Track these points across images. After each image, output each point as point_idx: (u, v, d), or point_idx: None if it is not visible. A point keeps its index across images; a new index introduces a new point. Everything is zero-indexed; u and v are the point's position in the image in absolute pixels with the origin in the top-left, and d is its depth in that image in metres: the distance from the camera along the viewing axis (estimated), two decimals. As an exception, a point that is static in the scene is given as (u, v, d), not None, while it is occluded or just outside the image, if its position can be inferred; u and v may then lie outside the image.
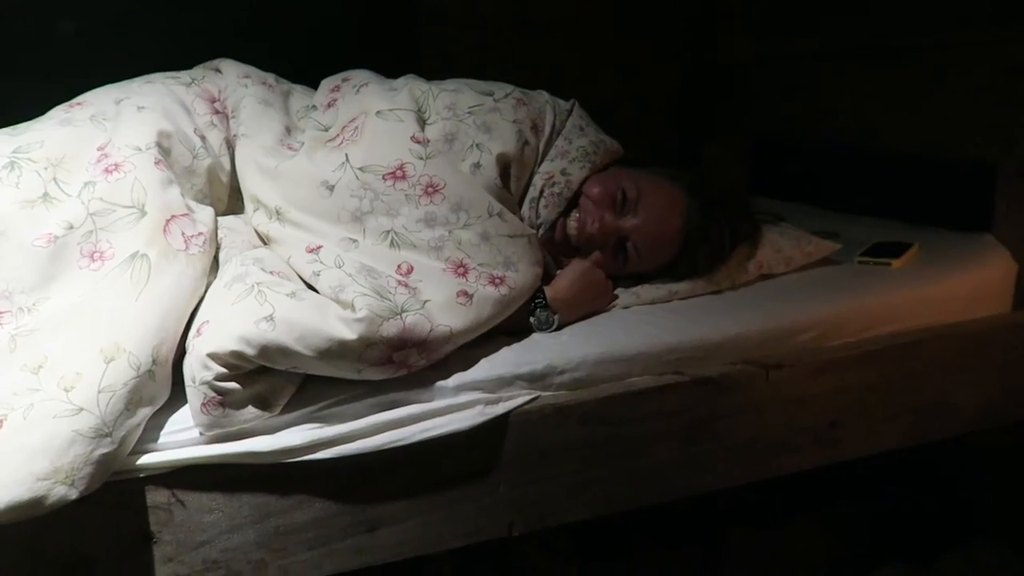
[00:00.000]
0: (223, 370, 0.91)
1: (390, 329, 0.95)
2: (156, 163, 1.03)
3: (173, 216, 1.00)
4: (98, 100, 1.13)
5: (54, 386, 0.86)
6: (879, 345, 1.21)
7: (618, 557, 1.47)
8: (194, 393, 0.91)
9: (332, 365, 0.95)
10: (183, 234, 1.00)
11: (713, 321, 1.17)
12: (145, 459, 0.92)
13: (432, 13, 1.89)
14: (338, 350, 0.93)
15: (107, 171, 1.00)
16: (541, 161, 1.23)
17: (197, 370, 0.91)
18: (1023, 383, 1.31)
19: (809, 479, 1.25)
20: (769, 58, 1.93)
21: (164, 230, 0.98)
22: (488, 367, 1.04)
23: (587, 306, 1.18)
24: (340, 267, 1.01)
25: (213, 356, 0.90)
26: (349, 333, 0.93)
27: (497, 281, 1.06)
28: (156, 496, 0.92)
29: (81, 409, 0.86)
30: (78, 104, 1.13)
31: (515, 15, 1.97)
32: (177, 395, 0.95)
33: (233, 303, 0.95)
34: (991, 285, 1.34)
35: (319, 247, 1.04)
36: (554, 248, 1.23)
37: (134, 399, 0.89)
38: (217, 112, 1.18)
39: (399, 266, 1.04)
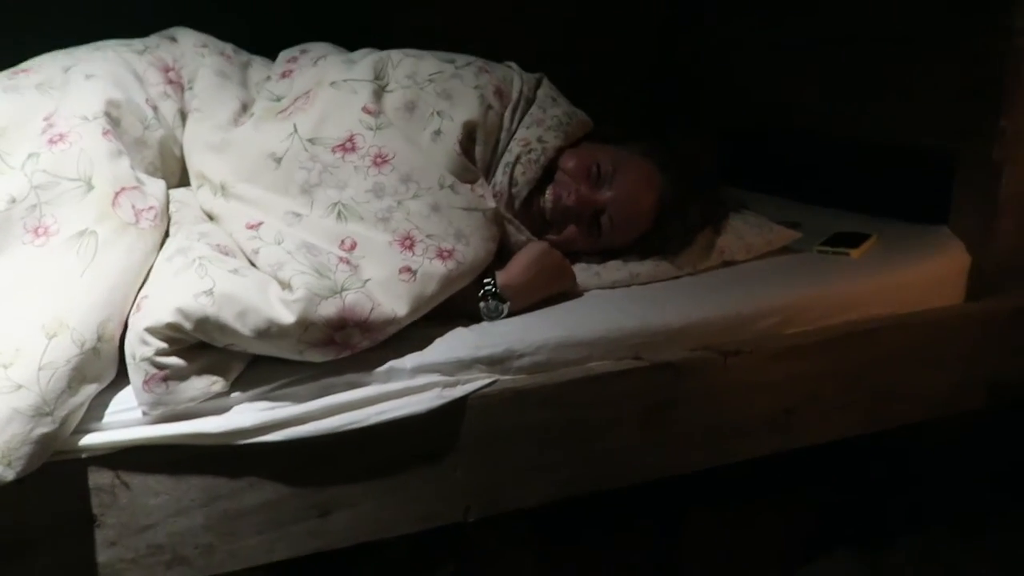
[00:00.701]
0: (162, 344, 0.88)
1: (328, 309, 0.92)
2: (104, 133, 0.99)
3: (123, 188, 0.97)
4: (45, 67, 1.09)
5: None
6: (836, 333, 1.22)
7: (576, 541, 1.47)
8: (135, 370, 0.89)
9: (272, 345, 0.92)
10: (133, 207, 0.97)
11: (674, 307, 1.17)
12: (88, 439, 0.89)
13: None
14: (276, 331, 0.91)
15: (51, 141, 0.97)
16: (516, 128, 1.21)
17: (136, 346, 0.88)
18: (977, 373, 1.33)
19: (769, 463, 1.25)
20: (732, 49, 1.93)
21: (113, 203, 0.95)
22: (447, 349, 1.03)
23: (542, 291, 1.16)
24: (280, 244, 0.98)
25: (151, 330, 0.88)
26: (287, 314, 0.91)
27: (445, 254, 1.04)
28: (99, 478, 0.89)
29: (20, 386, 0.82)
30: (24, 71, 1.09)
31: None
32: (122, 373, 0.92)
33: (174, 276, 0.92)
34: (945, 276, 1.36)
35: (260, 223, 1.02)
36: (528, 221, 1.21)
37: (77, 377, 0.86)
38: (171, 82, 1.14)
39: (342, 241, 1.01)
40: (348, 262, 0.98)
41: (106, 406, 0.91)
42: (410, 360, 1.00)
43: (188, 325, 0.88)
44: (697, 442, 1.17)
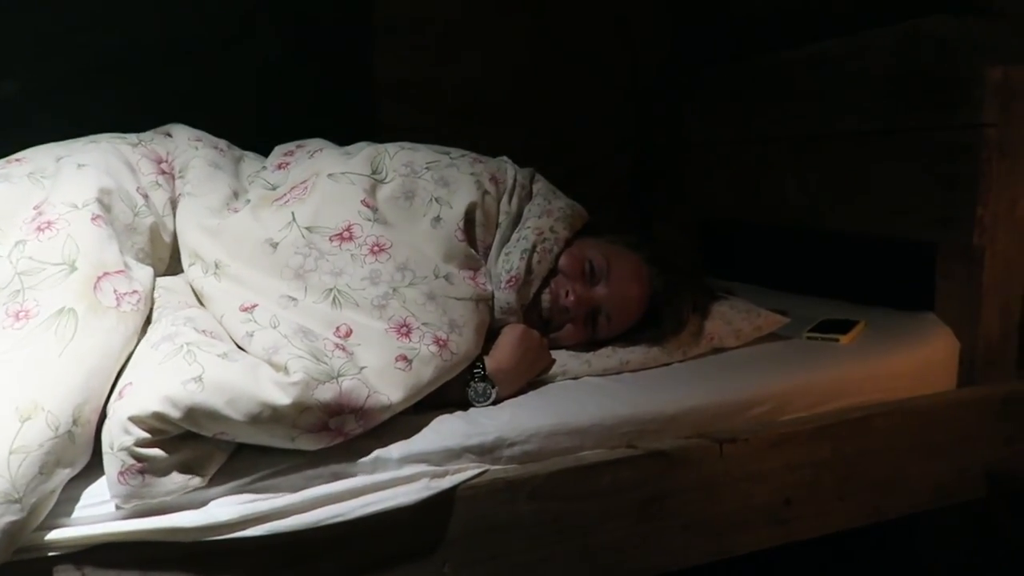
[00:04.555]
0: (145, 435, 0.84)
1: (325, 393, 0.90)
2: (93, 218, 0.99)
3: (106, 273, 0.96)
4: (38, 157, 1.10)
5: None
6: (831, 419, 1.20)
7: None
8: (112, 460, 0.84)
9: (264, 431, 0.89)
10: (115, 291, 0.95)
11: (667, 393, 1.15)
12: (54, 534, 0.84)
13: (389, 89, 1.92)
14: (271, 415, 0.88)
15: (39, 229, 0.97)
16: (519, 214, 1.23)
17: (116, 435, 0.84)
18: (974, 461, 1.30)
19: (766, 556, 1.21)
20: (715, 142, 1.99)
21: (95, 286, 0.94)
22: (435, 438, 1.00)
23: (528, 374, 1.14)
24: (275, 327, 0.97)
25: (135, 419, 0.84)
26: (283, 397, 0.88)
27: (440, 343, 1.03)
28: (65, 578, 0.83)
29: None
30: (16, 160, 1.10)
31: (474, 96, 2.00)
32: (94, 465, 0.88)
33: (160, 363, 0.89)
34: (936, 363, 1.35)
35: (254, 305, 1.00)
36: (528, 314, 1.20)
37: (49, 462, 0.82)
38: (163, 172, 1.15)
39: (337, 328, 1.00)
40: (343, 348, 0.97)
41: (76, 500, 0.86)
42: (397, 449, 0.97)
43: (176, 414, 0.85)
44: (695, 535, 1.12)
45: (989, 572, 1.40)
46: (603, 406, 1.10)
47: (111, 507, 0.86)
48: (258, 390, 0.87)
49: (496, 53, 2.04)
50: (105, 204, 1.03)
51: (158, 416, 0.84)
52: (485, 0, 2.02)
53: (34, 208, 0.99)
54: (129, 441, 0.84)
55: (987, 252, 1.33)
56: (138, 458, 0.84)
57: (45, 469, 0.81)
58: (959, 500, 1.31)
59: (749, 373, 1.23)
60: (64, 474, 0.84)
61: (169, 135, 1.25)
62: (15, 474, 0.79)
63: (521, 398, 1.11)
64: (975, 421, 1.31)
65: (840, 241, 1.74)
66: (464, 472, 0.99)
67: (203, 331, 0.95)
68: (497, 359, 1.11)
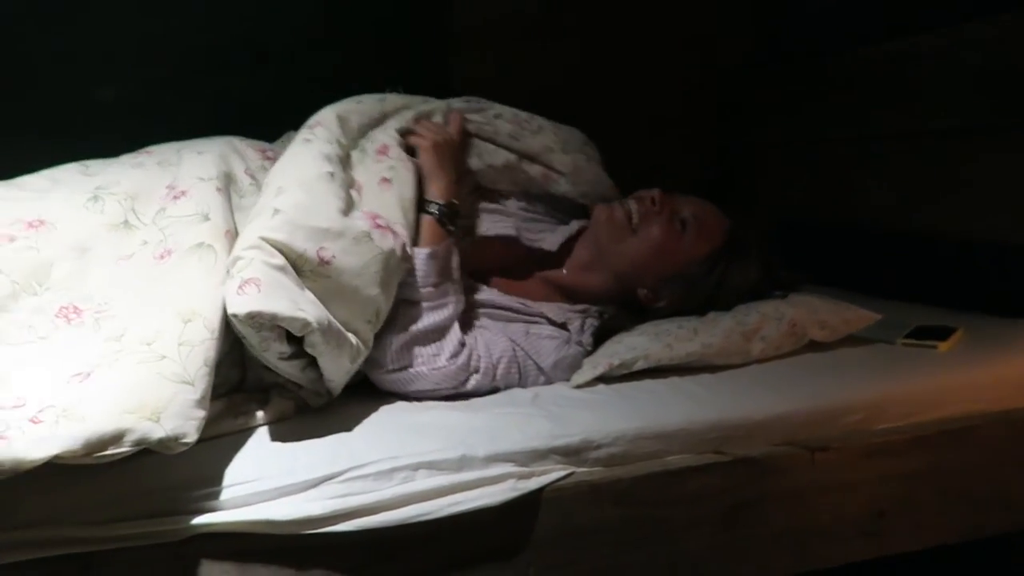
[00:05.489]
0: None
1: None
2: (217, 190, 1.10)
3: (228, 231, 1.06)
4: (160, 150, 1.23)
5: (136, 343, 0.91)
6: (929, 431, 1.15)
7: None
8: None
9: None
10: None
11: (754, 399, 1.12)
12: (152, 524, 0.86)
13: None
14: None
15: (175, 198, 1.09)
16: None
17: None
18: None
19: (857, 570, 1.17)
20: (791, 142, 1.93)
21: (224, 234, 1.05)
22: (521, 438, 0.99)
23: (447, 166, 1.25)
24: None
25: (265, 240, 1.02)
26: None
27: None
28: (165, 566, 0.86)
29: (164, 356, 0.90)
30: (145, 152, 1.23)
31: (550, 89, 1.98)
32: (189, 455, 0.89)
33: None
34: (1040, 372, 1.28)
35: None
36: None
37: (210, 357, 0.93)
38: (269, 159, 1.23)
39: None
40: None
41: (173, 489, 0.88)
42: (483, 448, 0.97)
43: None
44: (783, 545, 1.09)
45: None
46: (689, 410, 1.08)
47: (208, 498, 0.88)
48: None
49: (572, 49, 2.02)
50: (224, 182, 1.13)
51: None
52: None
53: (167, 187, 1.11)
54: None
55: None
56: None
57: (208, 362, 0.92)
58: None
59: (842, 379, 1.19)
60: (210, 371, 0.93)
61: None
62: (185, 360, 0.90)
63: (607, 400, 1.10)
64: (1084, 434, 1.23)
65: (926, 244, 1.67)
66: (550, 474, 0.98)
67: None
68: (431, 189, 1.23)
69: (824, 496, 1.10)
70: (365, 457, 0.93)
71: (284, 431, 0.99)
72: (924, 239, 1.66)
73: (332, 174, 1.12)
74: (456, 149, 1.31)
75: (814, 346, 1.29)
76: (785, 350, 1.26)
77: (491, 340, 1.19)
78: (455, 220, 1.22)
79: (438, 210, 1.21)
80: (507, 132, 1.36)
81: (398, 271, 1.11)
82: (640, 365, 1.17)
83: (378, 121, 1.29)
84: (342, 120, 1.24)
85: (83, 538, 0.83)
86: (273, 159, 1.21)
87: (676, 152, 2.13)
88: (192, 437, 0.87)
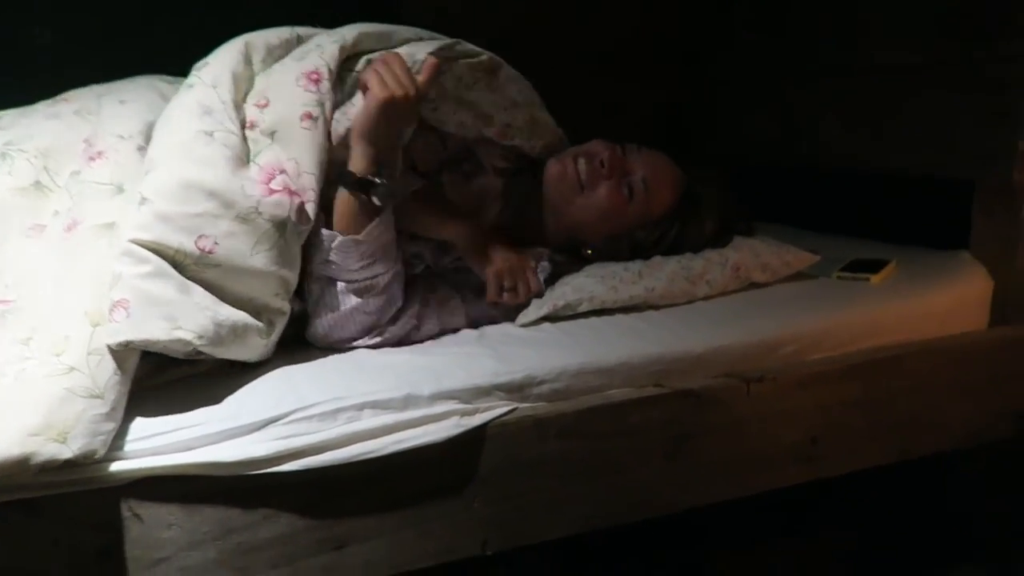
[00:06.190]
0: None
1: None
2: (139, 149, 1.03)
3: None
4: (81, 96, 1.16)
5: (44, 352, 0.86)
6: (861, 359, 1.19)
7: (596, 578, 1.43)
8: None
9: None
10: None
11: (695, 333, 1.15)
12: (97, 468, 0.86)
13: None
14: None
15: (91, 159, 1.02)
16: None
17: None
18: (1007, 400, 1.29)
19: (795, 500, 1.22)
20: (744, 79, 1.94)
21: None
22: (465, 376, 1.01)
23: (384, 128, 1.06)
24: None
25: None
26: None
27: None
28: (111, 510, 0.86)
29: (72, 368, 0.84)
30: (63, 100, 1.16)
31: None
32: (134, 402, 0.90)
33: None
34: (968, 302, 1.33)
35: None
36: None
37: (121, 365, 0.87)
38: None
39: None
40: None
41: (119, 435, 0.88)
42: (427, 387, 0.98)
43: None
44: (721, 473, 1.13)
45: (1018, 514, 1.40)
46: (631, 345, 1.10)
47: (153, 442, 0.88)
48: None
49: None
50: (147, 136, 1.06)
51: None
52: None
53: (84, 141, 1.05)
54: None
55: (1027, 188, 1.30)
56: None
57: (119, 369, 0.86)
58: (988, 440, 1.31)
59: (778, 312, 1.22)
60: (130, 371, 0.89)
61: None
62: (94, 371, 0.85)
63: (550, 337, 1.12)
64: (1007, 361, 1.29)
65: (872, 179, 1.71)
66: (494, 410, 1.00)
67: None
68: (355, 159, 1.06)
69: (761, 425, 1.14)
70: (310, 399, 0.94)
71: (230, 376, 0.99)
72: (868, 176, 1.69)
73: (210, 133, 0.98)
74: (415, 108, 1.08)
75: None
76: (729, 291, 1.29)
77: (446, 320, 1.17)
78: (385, 197, 1.05)
79: (360, 186, 1.04)
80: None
81: (296, 236, 1.00)
82: (585, 307, 1.19)
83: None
84: (250, 46, 1.10)
85: (28, 483, 0.83)
86: None
87: (634, 90, 2.12)
88: (101, 452, 0.84)
